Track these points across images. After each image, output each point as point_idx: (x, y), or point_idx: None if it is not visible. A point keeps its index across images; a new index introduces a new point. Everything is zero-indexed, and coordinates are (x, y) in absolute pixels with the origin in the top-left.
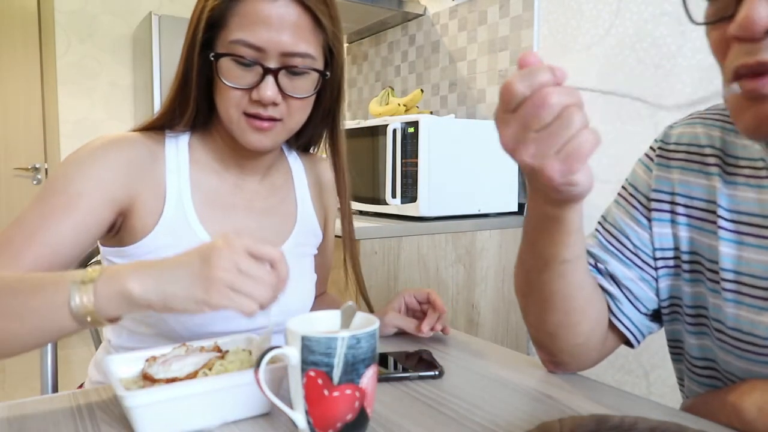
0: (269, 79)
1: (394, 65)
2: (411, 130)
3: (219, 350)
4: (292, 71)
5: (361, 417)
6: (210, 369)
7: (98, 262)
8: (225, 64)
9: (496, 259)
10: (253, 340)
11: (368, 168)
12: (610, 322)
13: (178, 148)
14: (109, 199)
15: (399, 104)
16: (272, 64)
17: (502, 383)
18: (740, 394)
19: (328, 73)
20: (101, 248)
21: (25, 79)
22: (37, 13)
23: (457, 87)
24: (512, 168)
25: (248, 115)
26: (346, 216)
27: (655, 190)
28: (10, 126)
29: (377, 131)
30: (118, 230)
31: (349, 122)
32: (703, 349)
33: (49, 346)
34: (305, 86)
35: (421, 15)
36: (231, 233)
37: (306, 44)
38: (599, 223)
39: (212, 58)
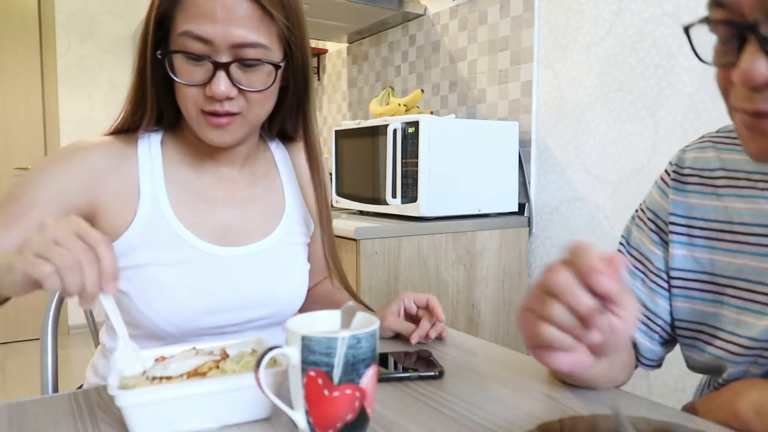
0: (220, 74)
1: (395, 65)
2: (411, 130)
3: (226, 354)
4: (245, 63)
5: (362, 417)
6: (204, 373)
7: None
8: (176, 61)
9: (496, 259)
10: (262, 343)
11: (368, 168)
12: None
13: (151, 147)
14: (64, 208)
15: (399, 104)
16: (222, 58)
17: (502, 383)
18: (737, 394)
19: (281, 64)
20: None
21: (25, 79)
22: (37, 13)
23: (458, 87)
24: (512, 168)
25: (206, 113)
26: (324, 213)
27: (672, 214)
28: (10, 126)
29: (377, 131)
30: None
31: (349, 122)
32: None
33: (49, 346)
34: (260, 79)
35: (421, 15)
36: (73, 218)
37: (256, 34)
38: (621, 244)
39: (160, 56)
